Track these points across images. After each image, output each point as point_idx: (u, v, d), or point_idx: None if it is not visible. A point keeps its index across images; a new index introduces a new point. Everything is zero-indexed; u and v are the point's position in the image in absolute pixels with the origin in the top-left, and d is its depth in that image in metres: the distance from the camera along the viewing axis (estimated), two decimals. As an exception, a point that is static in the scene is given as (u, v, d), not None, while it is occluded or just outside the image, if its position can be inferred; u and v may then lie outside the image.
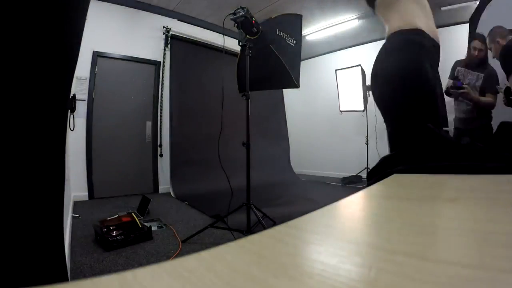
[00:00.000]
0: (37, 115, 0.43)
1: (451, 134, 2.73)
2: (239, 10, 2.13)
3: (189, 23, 4.85)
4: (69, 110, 2.58)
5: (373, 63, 1.18)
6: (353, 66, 5.23)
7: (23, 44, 0.39)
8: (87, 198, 3.72)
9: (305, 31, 5.33)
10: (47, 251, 0.47)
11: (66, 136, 0.55)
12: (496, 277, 0.12)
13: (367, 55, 5.67)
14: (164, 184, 4.39)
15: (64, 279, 0.54)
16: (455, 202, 0.23)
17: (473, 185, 0.34)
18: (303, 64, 3.18)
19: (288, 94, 6.51)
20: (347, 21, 4.99)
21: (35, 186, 0.44)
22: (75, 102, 2.98)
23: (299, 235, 0.19)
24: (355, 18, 4.86)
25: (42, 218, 0.45)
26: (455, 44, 4.00)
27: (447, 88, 2.50)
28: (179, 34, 4.64)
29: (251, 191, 2.29)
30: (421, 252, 0.15)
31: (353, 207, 0.26)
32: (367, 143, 5.35)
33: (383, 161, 0.68)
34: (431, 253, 0.15)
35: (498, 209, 0.22)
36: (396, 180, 0.42)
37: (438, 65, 1.11)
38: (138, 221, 2.31)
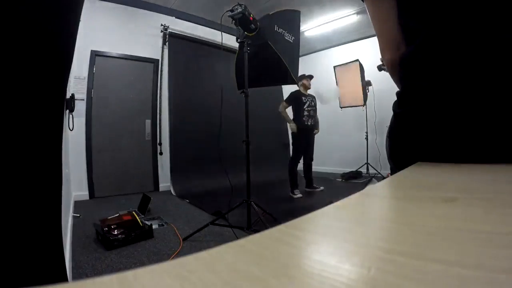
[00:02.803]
0: (32, 114, 0.42)
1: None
2: (237, 7, 2.12)
3: (187, 20, 4.83)
4: (68, 110, 2.57)
5: None
6: (351, 62, 5.22)
7: (17, 44, 0.39)
8: (87, 198, 3.73)
9: (303, 27, 5.31)
10: (45, 252, 0.47)
11: (62, 135, 0.55)
12: (496, 277, 0.12)
13: (366, 50, 5.67)
14: (165, 182, 4.40)
15: (63, 279, 0.54)
16: (455, 202, 0.23)
17: (473, 185, 0.34)
18: (301, 60, 3.17)
19: (287, 90, 6.50)
20: (345, 17, 4.97)
21: (32, 186, 0.44)
22: (74, 102, 2.97)
23: (299, 235, 0.19)
24: (354, 13, 4.85)
25: (39, 218, 0.45)
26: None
27: None
28: (177, 32, 4.63)
29: (251, 188, 2.29)
30: (421, 252, 0.15)
31: (353, 207, 0.26)
32: (367, 139, 5.36)
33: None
34: (431, 253, 0.15)
35: (497, 210, 0.22)
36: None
37: None
38: (139, 220, 2.31)
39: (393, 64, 0.64)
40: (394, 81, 0.69)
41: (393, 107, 0.66)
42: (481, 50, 0.48)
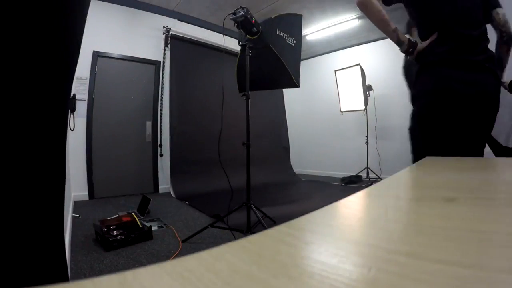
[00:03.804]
0: (38, 116, 0.43)
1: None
2: (239, 10, 2.12)
3: (189, 23, 4.85)
4: (69, 111, 2.58)
5: None
6: (352, 66, 5.23)
7: (24, 46, 0.39)
8: (87, 198, 3.73)
9: (305, 31, 5.33)
10: (48, 252, 0.47)
11: (66, 136, 0.56)
12: (496, 277, 0.12)
13: (367, 54, 5.68)
14: (164, 184, 4.39)
15: (64, 279, 0.54)
16: (455, 202, 0.23)
17: (473, 185, 0.34)
18: (303, 64, 3.18)
19: (288, 94, 6.51)
20: (347, 21, 4.99)
21: (36, 186, 0.44)
22: (75, 102, 2.98)
23: (299, 235, 0.19)
24: (355, 18, 4.86)
25: (42, 218, 0.45)
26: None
27: None
28: (179, 34, 4.64)
29: (251, 191, 2.29)
30: (421, 252, 0.15)
31: (353, 207, 0.26)
32: (367, 143, 5.36)
33: None
34: (431, 253, 0.15)
35: (497, 209, 0.22)
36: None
37: None
38: (138, 221, 2.31)
39: None
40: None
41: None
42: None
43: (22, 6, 0.37)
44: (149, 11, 4.43)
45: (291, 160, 6.23)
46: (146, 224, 2.36)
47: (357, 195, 0.28)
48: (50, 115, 0.46)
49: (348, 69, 5.33)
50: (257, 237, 0.19)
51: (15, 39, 0.37)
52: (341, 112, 5.67)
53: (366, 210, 0.26)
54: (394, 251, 0.15)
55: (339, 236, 0.19)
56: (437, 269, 0.13)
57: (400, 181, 0.37)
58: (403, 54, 1.44)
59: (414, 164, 0.50)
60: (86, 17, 0.57)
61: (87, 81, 3.81)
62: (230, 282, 0.13)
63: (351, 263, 0.15)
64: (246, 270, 0.15)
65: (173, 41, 4.59)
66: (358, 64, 5.11)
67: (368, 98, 5.24)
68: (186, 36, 4.74)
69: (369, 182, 4.99)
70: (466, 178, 0.38)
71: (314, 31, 5.45)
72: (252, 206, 2.22)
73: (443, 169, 0.44)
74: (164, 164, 4.42)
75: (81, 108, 3.66)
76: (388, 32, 1.29)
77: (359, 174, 5.43)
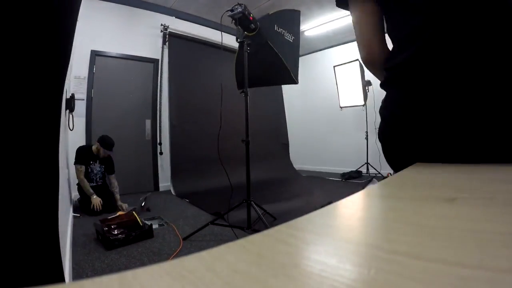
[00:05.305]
0: (29, 113, 0.42)
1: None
2: (236, 7, 2.11)
3: (187, 20, 4.83)
4: (68, 110, 2.57)
5: None
6: (351, 61, 5.22)
7: (13, 42, 0.38)
8: (87, 197, 3.72)
9: (303, 27, 5.30)
10: (41, 252, 0.47)
11: (59, 134, 0.55)
12: (496, 277, 0.12)
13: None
14: (165, 182, 4.40)
15: (60, 279, 0.54)
16: (455, 202, 0.23)
17: (472, 185, 0.34)
18: (301, 60, 3.17)
19: (287, 90, 6.50)
20: (345, 16, 4.96)
21: (28, 185, 0.43)
22: (74, 102, 2.97)
23: (299, 235, 0.19)
24: (354, 13, 4.84)
25: (35, 218, 0.45)
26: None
27: None
28: (177, 32, 4.63)
29: (251, 187, 2.29)
30: (421, 252, 0.15)
31: (353, 207, 0.26)
32: (367, 138, 5.35)
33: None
34: (431, 253, 0.15)
35: (497, 209, 0.22)
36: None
37: None
38: (139, 220, 2.31)
39: (373, 59, 0.72)
40: (376, 74, 0.76)
41: (380, 110, 0.68)
42: (475, 56, 0.49)
43: (11, 2, 0.37)
44: (147, 9, 4.41)
45: (290, 156, 6.23)
46: (146, 222, 2.37)
47: (357, 195, 0.28)
48: (43, 113, 0.46)
49: (347, 64, 5.31)
50: (257, 237, 0.19)
51: (4, 35, 0.37)
52: (340, 107, 5.67)
53: (366, 210, 0.26)
54: (394, 251, 0.15)
55: (339, 236, 0.19)
56: (437, 269, 0.13)
57: (400, 181, 0.37)
58: None
59: (413, 165, 0.50)
60: (78, 13, 0.56)
61: (86, 81, 3.80)
62: (230, 282, 0.13)
63: (351, 263, 0.15)
64: (246, 270, 0.15)
65: (171, 39, 4.57)
66: (357, 59, 5.09)
67: (367, 93, 5.23)
68: (184, 34, 4.72)
69: (369, 178, 5.00)
70: (466, 178, 0.38)
71: (312, 26, 5.42)
72: (252, 203, 2.22)
73: (443, 170, 0.44)
74: (164, 162, 4.42)
75: (80, 107, 3.65)
76: None
77: (359, 169, 5.44)
